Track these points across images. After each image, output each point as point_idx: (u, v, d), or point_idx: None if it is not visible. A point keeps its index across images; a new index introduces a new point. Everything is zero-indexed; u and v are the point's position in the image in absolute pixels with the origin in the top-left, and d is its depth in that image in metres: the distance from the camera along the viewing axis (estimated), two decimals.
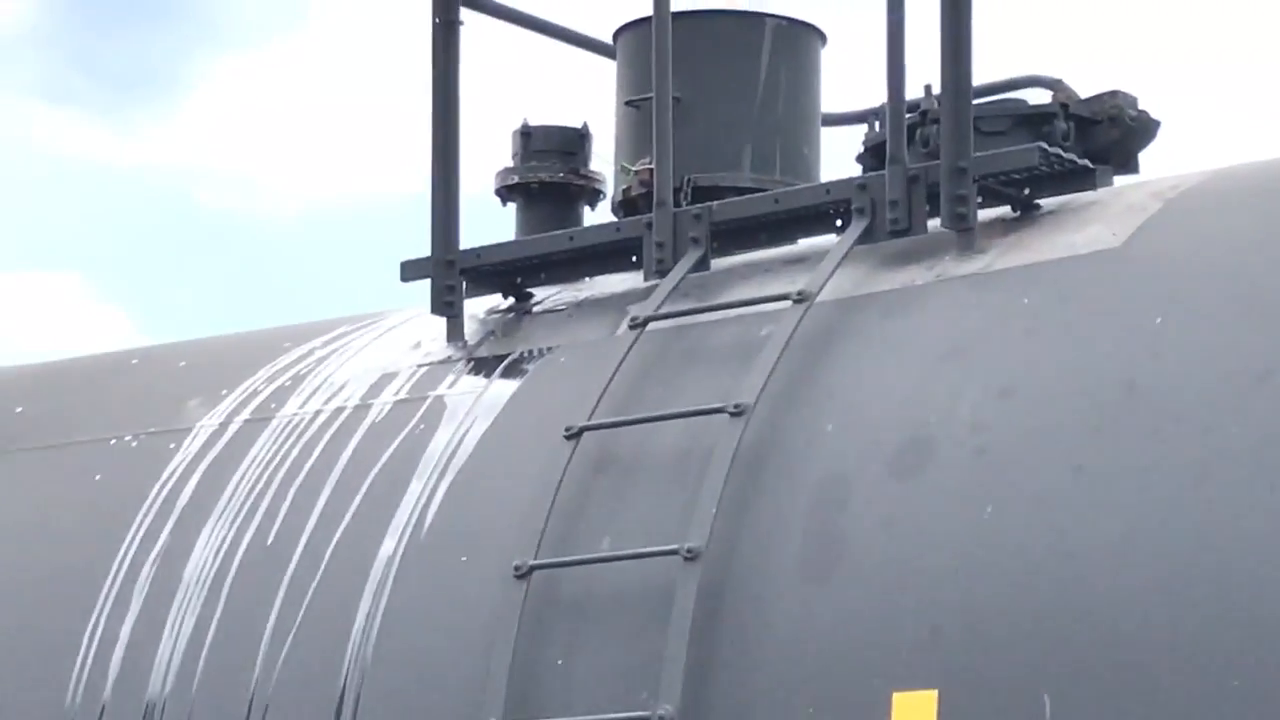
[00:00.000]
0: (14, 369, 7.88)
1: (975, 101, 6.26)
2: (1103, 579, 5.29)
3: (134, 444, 6.97)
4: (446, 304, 6.81)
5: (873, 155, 6.65)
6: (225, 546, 6.54)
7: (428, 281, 6.82)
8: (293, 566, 6.37)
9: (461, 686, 5.91)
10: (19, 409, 7.40)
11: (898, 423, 5.72)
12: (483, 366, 6.61)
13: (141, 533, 6.69)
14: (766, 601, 5.63)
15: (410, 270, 6.87)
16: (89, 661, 6.53)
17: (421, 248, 6.84)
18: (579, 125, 7.19)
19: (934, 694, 5.33)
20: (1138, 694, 5.16)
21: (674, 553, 5.69)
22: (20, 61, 23.15)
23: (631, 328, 6.27)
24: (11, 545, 6.94)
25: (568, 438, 6.07)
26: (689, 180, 6.73)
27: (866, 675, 5.42)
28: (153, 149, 23.14)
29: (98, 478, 6.93)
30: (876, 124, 6.74)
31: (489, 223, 7.12)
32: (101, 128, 23.52)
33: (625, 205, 6.93)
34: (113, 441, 7.02)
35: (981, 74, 6.27)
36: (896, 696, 5.37)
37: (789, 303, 6.05)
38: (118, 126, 23.64)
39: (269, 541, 6.47)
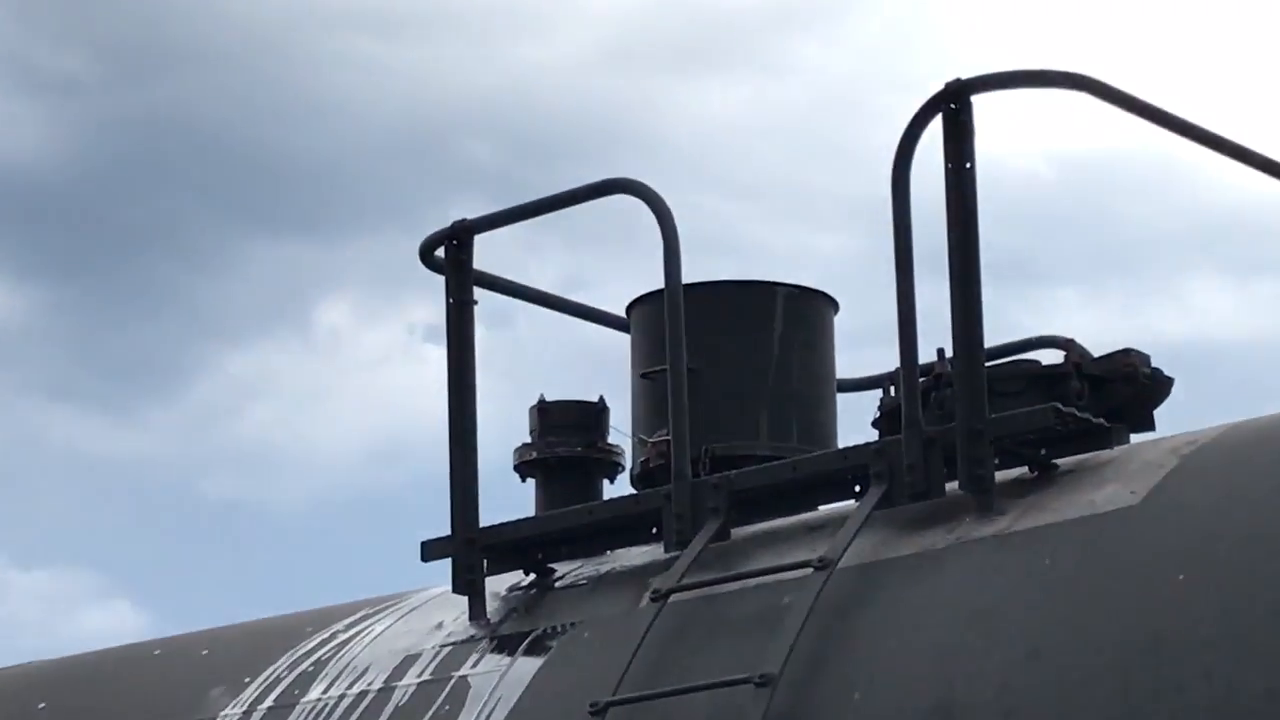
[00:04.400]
0: (35, 664, 7.83)
1: (988, 364, 6.30)
2: None
3: None
4: (468, 583, 6.81)
5: (889, 420, 6.66)
6: None
7: (448, 561, 6.84)
8: None
9: None
10: (41, 705, 7.36)
11: (925, 688, 5.69)
12: (506, 645, 6.59)
13: None
14: None
15: (431, 550, 6.88)
16: None
17: (439, 526, 6.88)
18: (595, 399, 7.23)
19: None
20: None
21: None
22: (23, 359, 23.27)
23: (653, 600, 6.26)
24: None
25: (593, 714, 6.04)
26: (707, 450, 6.74)
27: None
28: (154, 439, 23.17)
29: None
30: (891, 388, 6.74)
31: (508, 498, 7.16)
32: (102, 419, 23.59)
33: (644, 477, 6.93)
34: None
35: (994, 335, 6.33)
36: None
37: (810, 570, 6.05)
38: (119, 417, 23.68)
39: None
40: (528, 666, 6.47)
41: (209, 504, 23.19)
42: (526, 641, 6.57)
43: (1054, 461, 6.25)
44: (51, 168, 23.04)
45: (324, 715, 6.69)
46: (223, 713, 6.89)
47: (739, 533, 6.53)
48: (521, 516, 6.99)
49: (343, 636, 7.02)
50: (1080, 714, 5.48)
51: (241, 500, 23.23)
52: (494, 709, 6.39)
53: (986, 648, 5.71)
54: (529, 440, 7.22)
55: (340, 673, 6.83)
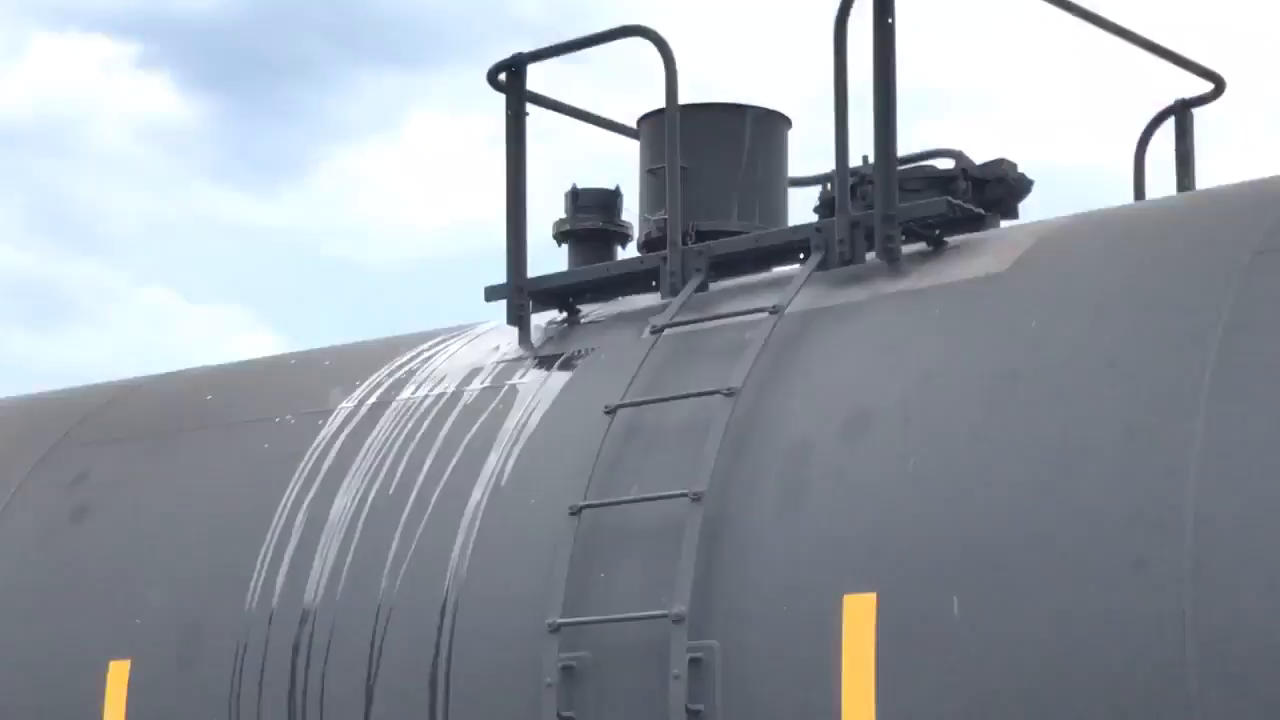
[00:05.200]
0: (204, 368, 7.87)
1: (900, 167, 6.28)
2: (992, 512, 5.29)
3: (292, 421, 6.94)
4: (518, 318, 6.79)
5: (825, 207, 6.66)
6: (358, 496, 6.51)
7: (504, 302, 6.83)
8: (407, 511, 6.35)
9: (531, 595, 5.89)
10: (209, 396, 7.39)
11: (846, 400, 5.71)
12: (544, 363, 6.59)
13: (298, 486, 6.66)
14: (751, 530, 5.63)
15: (491, 294, 6.86)
16: (261, 578, 6.49)
17: (497, 278, 6.86)
18: (613, 188, 7.20)
19: (874, 595, 5.32)
20: (1018, 590, 5.17)
21: (684, 495, 5.69)
22: (194, 152, 23.28)
23: (652, 333, 6.27)
24: (204, 496, 6.91)
25: (606, 413, 6.07)
26: (693, 226, 6.70)
27: (825, 583, 5.41)
28: (288, 212, 23.20)
29: (265, 446, 6.89)
30: (828, 185, 6.74)
31: (548, 258, 7.16)
32: (251, 197, 23.61)
33: (647, 245, 6.89)
34: (276, 419, 6.99)
35: (904, 146, 6.28)
36: (846, 598, 5.36)
37: (766, 314, 6.06)
38: (263, 196, 23.73)
39: (390, 492, 6.44)
40: (560, 379, 6.48)
41: (328, 259, 23.28)
42: (559, 361, 6.56)
43: (945, 240, 6.23)
44: (220, 13, 23.04)
45: (413, 410, 6.69)
46: (339, 405, 6.90)
47: (716, 286, 6.51)
48: (558, 271, 6.98)
49: (426, 354, 7.02)
50: (957, 419, 5.48)
51: (350, 258, 23.25)
52: (535, 408, 6.40)
53: (891, 372, 5.72)
54: (564, 216, 7.21)
55: (424, 380, 6.83)
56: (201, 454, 7.08)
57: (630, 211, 7.15)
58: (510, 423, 6.38)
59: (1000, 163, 6.51)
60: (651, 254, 6.74)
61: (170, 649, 6.58)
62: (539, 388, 6.46)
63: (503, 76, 6.90)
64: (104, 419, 7.53)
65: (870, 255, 6.21)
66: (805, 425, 5.72)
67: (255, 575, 6.53)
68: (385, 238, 22.97)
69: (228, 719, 6.39)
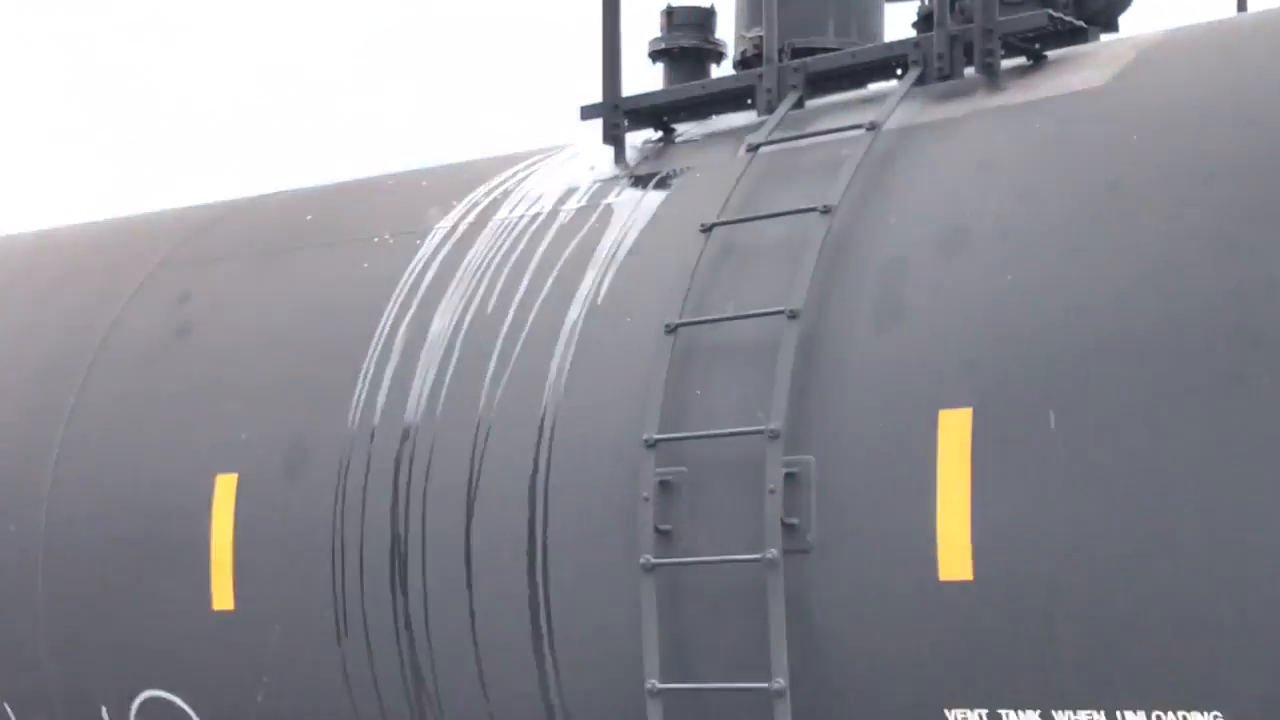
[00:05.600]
0: (305, 188, 7.87)
1: None
2: (1090, 326, 5.27)
3: (390, 241, 6.97)
4: (614, 136, 6.78)
5: (924, 22, 6.58)
6: (458, 313, 6.56)
7: (599, 121, 6.80)
8: (505, 328, 6.40)
9: (628, 411, 5.93)
10: (308, 217, 7.41)
11: (943, 216, 5.69)
12: (640, 182, 6.58)
13: (398, 304, 6.71)
14: (846, 347, 5.64)
15: (587, 112, 6.84)
16: (363, 395, 6.57)
17: (593, 99, 6.84)
18: (708, 5, 7.14)
19: (969, 410, 5.34)
20: (1115, 404, 5.15)
21: (780, 313, 5.70)
22: None
23: (748, 151, 6.25)
24: (304, 315, 6.97)
25: (702, 231, 6.07)
26: (789, 43, 6.68)
27: (921, 397, 5.43)
28: None
29: (365, 265, 6.93)
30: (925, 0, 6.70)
31: (644, 77, 7.14)
32: None
33: (743, 63, 6.88)
34: (375, 239, 7.02)
35: None
36: (942, 413, 5.38)
37: (863, 130, 6.02)
38: None
39: (488, 312, 6.48)
40: (655, 198, 6.47)
41: None
42: (655, 180, 6.56)
43: (1045, 54, 6.17)
44: None
45: (509, 228, 6.72)
46: (437, 225, 6.93)
47: (812, 104, 6.48)
48: (653, 89, 6.96)
49: (523, 174, 7.02)
50: (1055, 233, 5.47)
51: None
52: (631, 227, 6.41)
53: (989, 187, 5.68)
54: (659, 34, 7.17)
55: (521, 199, 6.85)
56: (302, 274, 7.13)
57: (725, 29, 7.11)
58: (606, 242, 6.40)
59: None
60: (747, 71, 6.71)
61: (275, 464, 6.69)
62: (634, 207, 6.46)
63: None
64: (205, 240, 7.61)
65: (969, 70, 6.17)
66: (902, 241, 5.71)
67: (357, 393, 6.61)
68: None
69: (332, 533, 6.51)
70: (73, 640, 7.07)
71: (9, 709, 7.22)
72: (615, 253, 6.34)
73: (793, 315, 5.68)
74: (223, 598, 6.69)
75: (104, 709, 6.98)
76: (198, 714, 6.78)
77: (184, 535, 6.79)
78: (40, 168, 21.02)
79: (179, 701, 6.81)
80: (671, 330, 5.93)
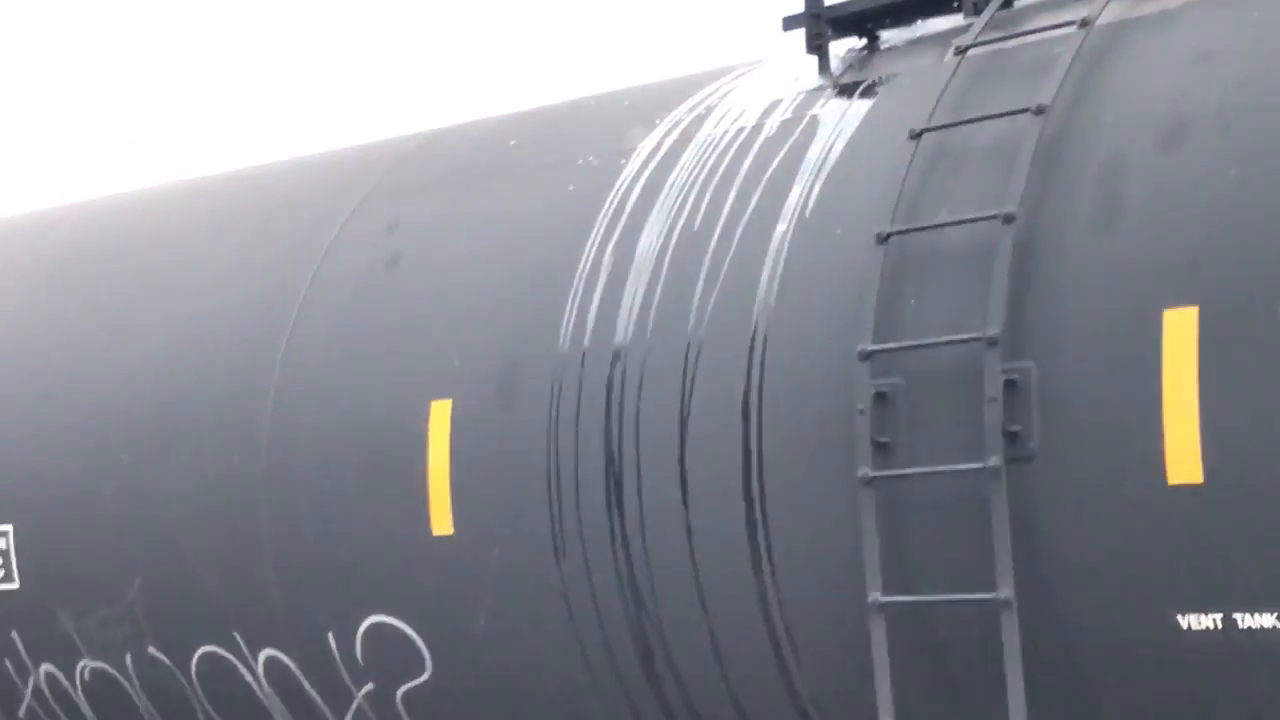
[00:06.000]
0: (504, 115, 7.86)
1: None
2: None
3: (595, 162, 6.96)
4: (817, 46, 6.70)
5: None
6: (664, 232, 6.54)
7: (802, 31, 6.73)
8: (713, 244, 6.37)
9: (841, 323, 5.88)
10: (511, 142, 7.43)
11: (1161, 112, 5.55)
12: (845, 91, 6.51)
13: (604, 225, 6.71)
14: (1065, 249, 5.53)
15: (789, 23, 6.76)
16: (572, 317, 6.58)
17: (796, 8, 6.76)
18: None
19: (1195, 309, 5.23)
20: None
21: (994, 217, 5.61)
22: None
23: (956, 54, 6.15)
24: (511, 240, 6.97)
25: (912, 138, 5.99)
26: None
27: (1144, 298, 5.33)
28: None
29: (570, 188, 6.94)
30: None
31: None
32: None
33: None
34: (579, 161, 7.02)
35: None
36: (1167, 313, 5.28)
37: (1075, 27, 5.90)
38: None
39: (695, 228, 6.46)
40: (862, 107, 6.39)
41: None
42: (860, 88, 6.48)
43: None
44: None
45: (714, 144, 6.69)
46: (640, 144, 6.92)
47: (1020, 3, 6.34)
48: None
49: (725, 90, 6.98)
50: (1278, 125, 5.30)
51: None
52: (837, 138, 6.34)
53: (1208, 80, 5.54)
54: None
55: (725, 114, 6.80)
56: (508, 199, 7.14)
57: None
58: (813, 153, 6.34)
59: None
60: None
61: (489, 389, 6.72)
62: (841, 117, 6.39)
63: None
64: (410, 169, 7.65)
65: None
66: (1119, 139, 5.59)
67: (566, 315, 6.61)
68: None
69: (546, 455, 6.53)
70: (297, 569, 7.18)
71: (239, 638, 7.35)
72: (822, 164, 6.28)
73: (1008, 219, 5.59)
74: (441, 523, 6.75)
75: (330, 635, 7.08)
76: (422, 637, 6.85)
77: (401, 462, 6.85)
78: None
79: (403, 626, 6.89)
80: (883, 240, 5.86)
